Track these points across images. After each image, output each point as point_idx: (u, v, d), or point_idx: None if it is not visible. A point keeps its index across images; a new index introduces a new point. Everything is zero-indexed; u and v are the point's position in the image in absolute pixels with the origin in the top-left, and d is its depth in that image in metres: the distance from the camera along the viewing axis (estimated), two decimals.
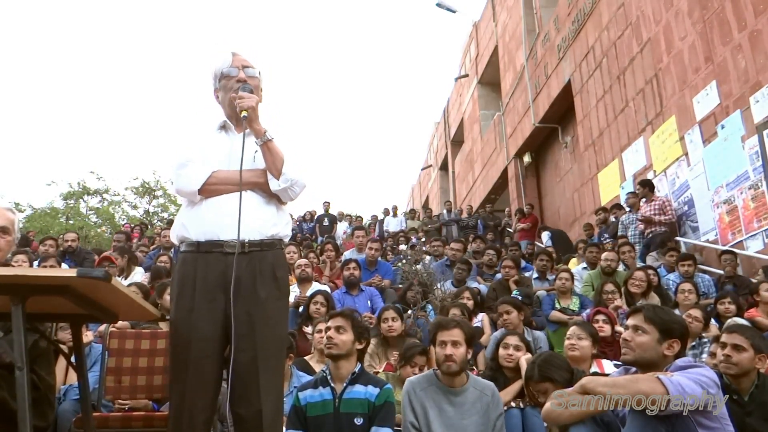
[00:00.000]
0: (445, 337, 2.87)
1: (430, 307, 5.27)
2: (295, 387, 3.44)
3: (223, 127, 2.24)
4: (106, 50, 70.83)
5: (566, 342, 3.73)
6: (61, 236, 7.73)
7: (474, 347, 3.45)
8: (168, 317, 2.17)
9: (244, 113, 2.06)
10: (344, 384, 2.82)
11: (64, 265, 6.25)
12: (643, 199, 8.06)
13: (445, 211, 15.15)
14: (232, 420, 1.96)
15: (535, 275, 6.78)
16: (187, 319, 1.99)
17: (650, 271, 5.88)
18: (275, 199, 2.16)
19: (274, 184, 2.11)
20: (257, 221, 2.07)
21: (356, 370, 2.87)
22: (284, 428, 2.84)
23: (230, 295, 1.95)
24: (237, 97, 2.10)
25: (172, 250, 7.45)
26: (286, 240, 2.24)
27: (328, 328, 2.95)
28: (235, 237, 2.01)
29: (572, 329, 3.80)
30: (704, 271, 6.99)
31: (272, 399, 1.99)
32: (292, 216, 14.63)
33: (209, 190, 2.08)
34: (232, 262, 1.98)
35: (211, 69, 2.25)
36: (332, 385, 2.84)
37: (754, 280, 5.80)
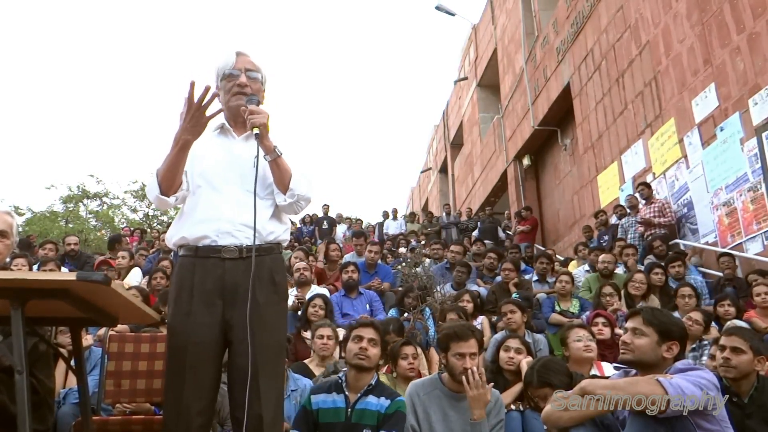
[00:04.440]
0: (464, 349, 2.80)
1: (428, 310, 5.26)
2: (292, 390, 3.44)
3: (222, 128, 2.22)
4: (106, 53, 70.91)
5: (578, 344, 3.69)
6: (62, 240, 7.72)
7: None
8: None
9: (256, 130, 2.03)
10: (358, 394, 2.80)
11: (63, 269, 6.24)
12: (643, 202, 8.08)
13: (444, 214, 15.15)
14: (232, 425, 1.95)
15: (535, 278, 6.79)
16: (183, 323, 1.99)
17: (658, 270, 5.86)
18: (273, 203, 2.15)
19: (281, 199, 2.11)
20: (256, 225, 2.03)
21: (372, 382, 2.84)
22: (291, 428, 2.84)
23: (229, 300, 1.95)
24: (248, 112, 2.06)
25: (172, 253, 7.46)
26: (285, 244, 2.22)
27: (359, 337, 2.90)
28: (231, 242, 2.02)
29: (579, 332, 3.76)
30: (704, 274, 7.00)
31: (272, 404, 1.98)
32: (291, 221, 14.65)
33: (168, 185, 2.06)
34: (230, 267, 1.99)
35: (216, 67, 2.21)
36: (346, 393, 2.82)
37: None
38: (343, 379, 2.87)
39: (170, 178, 2.05)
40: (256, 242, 2.04)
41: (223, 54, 2.21)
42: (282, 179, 2.09)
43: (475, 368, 2.72)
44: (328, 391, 2.85)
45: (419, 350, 4.23)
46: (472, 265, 7.19)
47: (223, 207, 2.06)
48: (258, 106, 2.10)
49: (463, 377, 2.70)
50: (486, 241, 10.65)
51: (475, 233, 12.83)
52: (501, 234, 12.82)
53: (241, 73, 2.15)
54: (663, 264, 6.22)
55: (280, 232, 2.16)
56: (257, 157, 2.04)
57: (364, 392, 2.80)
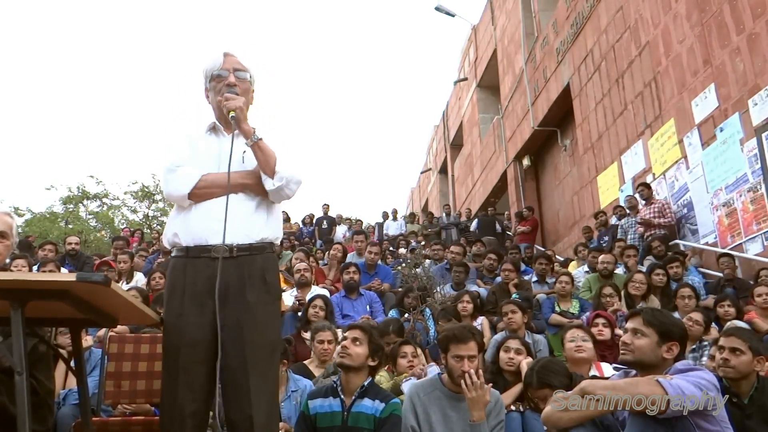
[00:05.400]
0: (462, 351, 2.79)
1: (428, 311, 5.27)
2: (292, 391, 3.44)
3: (213, 128, 2.23)
4: (106, 54, 70.95)
5: (570, 344, 3.71)
6: (63, 241, 7.72)
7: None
8: None
9: (231, 114, 2.05)
10: (353, 397, 2.81)
11: (63, 270, 6.24)
12: (643, 202, 8.08)
13: (444, 215, 15.14)
14: (226, 426, 1.95)
15: (535, 278, 6.79)
16: (176, 324, 1.99)
17: (659, 271, 5.87)
18: (265, 201, 2.15)
19: (269, 184, 2.09)
20: (246, 225, 2.05)
21: (365, 383, 2.85)
22: None
23: (220, 300, 1.95)
24: (224, 99, 2.09)
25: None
26: (277, 243, 2.21)
27: (344, 338, 2.94)
28: (221, 241, 2.01)
29: (574, 332, 3.78)
30: (704, 274, 7.00)
31: (264, 404, 1.97)
32: (289, 216, 14.61)
33: (198, 194, 2.07)
34: (221, 267, 1.98)
35: (203, 68, 2.22)
36: (342, 396, 2.83)
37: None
38: (338, 383, 2.89)
39: (207, 196, 2.07)
40: (247, 241, 2.05)
41: (210, 55, 2.22)
42: (267, 163, 2.07)
43: (473, 371, 2.72)
44: (324, 396, 2.87)
45: (419, 350, 4.25)
46: (472, 266, 7.20)
47: (213, 207, 2.06)
48: (236, 96, 2.12)
49: (462, 381, 2.70)
50: (486, 238, 10.70)
51: (473, 226, 12.94)
52: (498, 228, 12.93)
53: (229, 73, 2.16)
54: (663, 265, 6.22)
55: (271, 229, 2.15)
56: (232, 146, 2.04)
57: (358, 395, 2.81)
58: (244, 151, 2.10)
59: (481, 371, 2.76)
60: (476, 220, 13.71)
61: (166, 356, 2.02)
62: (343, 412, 2.78)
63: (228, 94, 2.10)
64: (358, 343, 2.87)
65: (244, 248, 2.03)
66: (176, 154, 2.13)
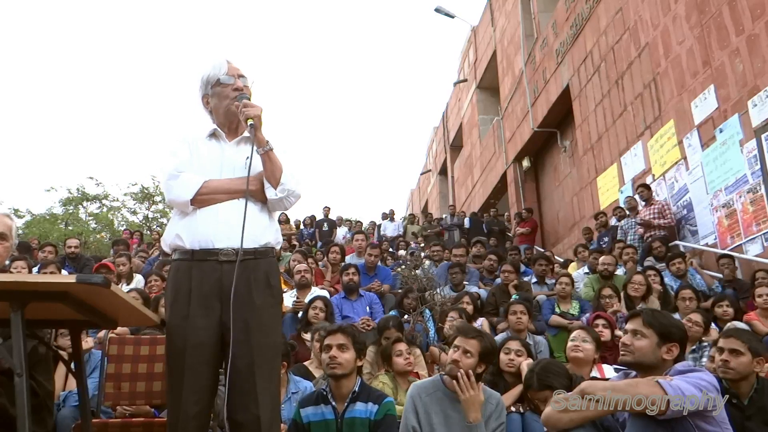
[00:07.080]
0: (460, 342, 2.83)
1: (428, 312, 5.27)
2: (293, 393, 3.43)
3: (213, 134, 2.23)
4: (106, 55, 71.01)
5: (570, 344, 3.73)
6: (63, 243, 7.73)
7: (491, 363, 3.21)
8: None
9: (250, 121, 2.07)
10: (345, 403, 2.79)
11: (63, 272, 6.25)
12: (643, 203, 8.08)
13: (448, 216, 15.13)
14: (229, 427, 1.95)
15: (534, 280, 6.78)
16: (181, 326, 2.00)
17: (651, 272, 5.87)
18: (266, 207, 2.17)
19: (271, 194, 2.12)
20: (252, 229, 2.06)
21: (356, 388, 2.83)
22: None
23: (227, 302, 1.95)
24: (242, 106, 2.10)
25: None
26: (278, 248, 2.24)
27: (328, 346, 2.87)
28: (229, 245, 2.02)
29: (577, 332, 3.80)
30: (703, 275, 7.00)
31: (269, 405, 1.99)
32: (288, 218, 14.64)
33: (202, 200, 2.08)
34: (228, 270, 1.99)
35: (204, 74, 2.24)
36: (333, 403, 2.81)
37: None
38: (328, 390, 2.86)
39: (209, 201, 2.09)
40: (253, 245, 2.06)
41: (212, 61, 2.24)
42: (273, 173, 2.11)
43: (462, 371, 2.72)
44: (316, 403, 2.84)
45: (418, 351, 4.24)
46: (473, 267, 7.19)
47: (219, 210, 2.08)
48: (253, 103, 2.14)
49: (455, 382, 2.71)
50: (477, 238, 10.78)
51: (466, 223, 13.41)
52: (484, 229, 13.21)
53: (235, 79, 2.19)
54: (660, 266, 6.23)
55: (274, 235, 2.18)
56: (250, 158, 2.07)
57: (350, 400, 2.79)
58: (247, 157, 2.10)
59: (471, 372, 2.76)
60: (467, 219, 13.92)
61: (171, 358, 2.02)
62: (337, 419, 2.76)
63: (245, 101, 2.12)
64: (345, 349, 2.84)
65: (250, 252, 2.05)
66: (178, 159, 2.14)
